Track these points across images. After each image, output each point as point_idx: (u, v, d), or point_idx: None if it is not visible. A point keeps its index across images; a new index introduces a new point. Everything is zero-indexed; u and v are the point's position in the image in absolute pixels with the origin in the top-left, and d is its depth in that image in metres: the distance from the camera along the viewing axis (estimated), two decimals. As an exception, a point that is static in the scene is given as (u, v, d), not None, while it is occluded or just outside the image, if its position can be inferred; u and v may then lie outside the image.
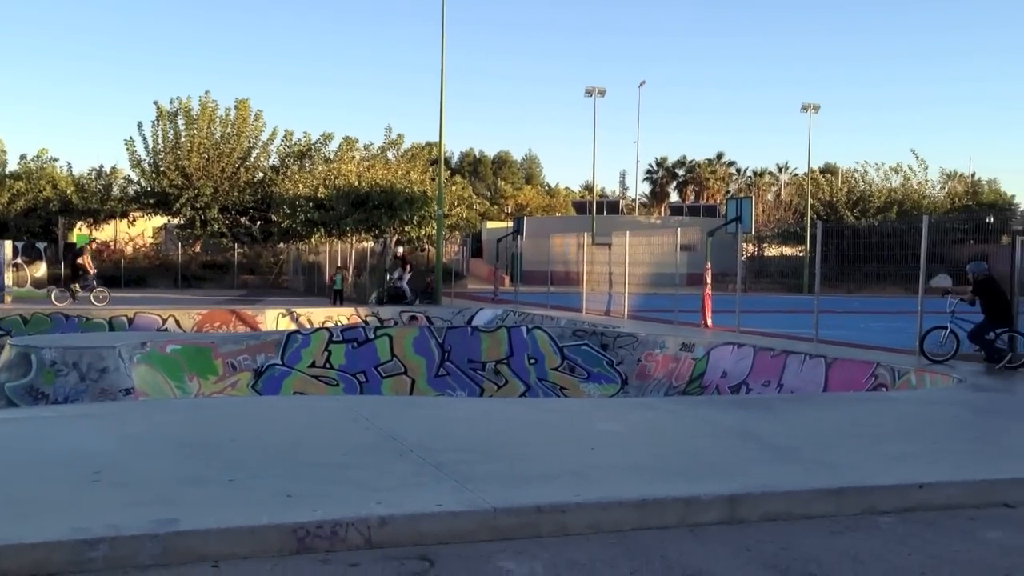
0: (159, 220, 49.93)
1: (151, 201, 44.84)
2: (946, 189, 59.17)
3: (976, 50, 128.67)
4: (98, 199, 46.00)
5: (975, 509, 6.01)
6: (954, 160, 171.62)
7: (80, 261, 28.12)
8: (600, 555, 4.88)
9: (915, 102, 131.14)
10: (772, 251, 61.33)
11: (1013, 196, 64.30)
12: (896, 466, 6.65)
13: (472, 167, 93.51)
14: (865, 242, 24.53)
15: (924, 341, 14.15)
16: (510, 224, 53.68)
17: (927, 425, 8.83)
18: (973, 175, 63.97)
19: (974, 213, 39.91)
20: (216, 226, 44.11)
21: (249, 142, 45.12)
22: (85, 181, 46.62)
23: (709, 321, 21.01)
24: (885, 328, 20.52)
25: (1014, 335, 13.60)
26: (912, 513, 5.86)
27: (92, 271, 27.74)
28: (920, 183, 57.69)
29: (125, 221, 48.45)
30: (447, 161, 55.89)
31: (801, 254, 52.78)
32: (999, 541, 5.35)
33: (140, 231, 50.85)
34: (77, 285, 26.87)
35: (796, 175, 77.68)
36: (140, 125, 44.31)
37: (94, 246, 42.55)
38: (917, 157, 63.73)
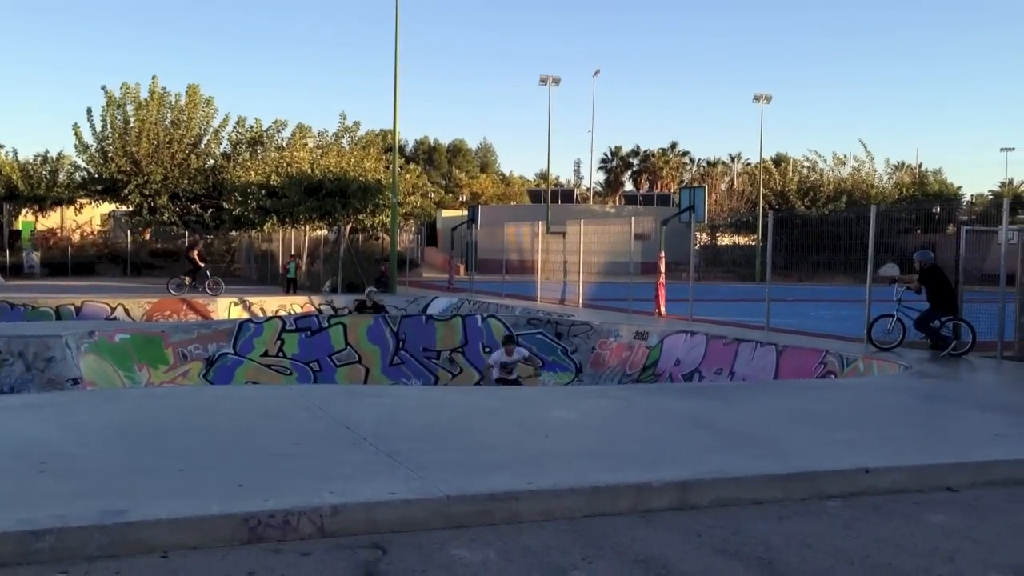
0: (107, 207, 49.04)
1: (99, 188, 43.99)
2: (894, 179, 60.13)
3: (921, 48, 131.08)
4: (44, 186, 45.05)
5: (919, 493, 6.14)
6: (901, 151, 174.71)
7: (192, 255, 29.09)
8: (553, 542, 4.91)
9: (863, 95, 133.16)
10: (725, 240, 61.93)
11: (959, 187, 65.52)
12: (843, 451, 6.77)
13: (427, 155, 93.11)
14: (815, 231, 24.90)
15: (872, 329, 14.41)
16: (465, 213, 53.61)
17: (874, 411, 9.00)
18: (920, 166, 65.19)
19: (921, 203, 40.68)
20: (166, 214, 43.43)
21: (200, 128, 44.41)
22: (31, 167, 45.62)
23: (663, 310, 21.18)
24: (834, 316, 20.86)
25: (958, 323, 13.90)
26: (858, 497, 5.98)
27: (202, 265, 28.52)
28: (869, 173, 58.57)
29: (72, 208, 47.50)
30: (401, 149, 55.59)
31: (754, 243, 53.39)
32: (942, 524, 5.47)
33: (88, 218, 49.88)
34: (187, 278, 27.77)
35: (749, 165, 78.52)
36: (89, 111, 43.40)
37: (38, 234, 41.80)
38: (866, 148, 64.71)
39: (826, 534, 5.20)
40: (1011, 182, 76.39)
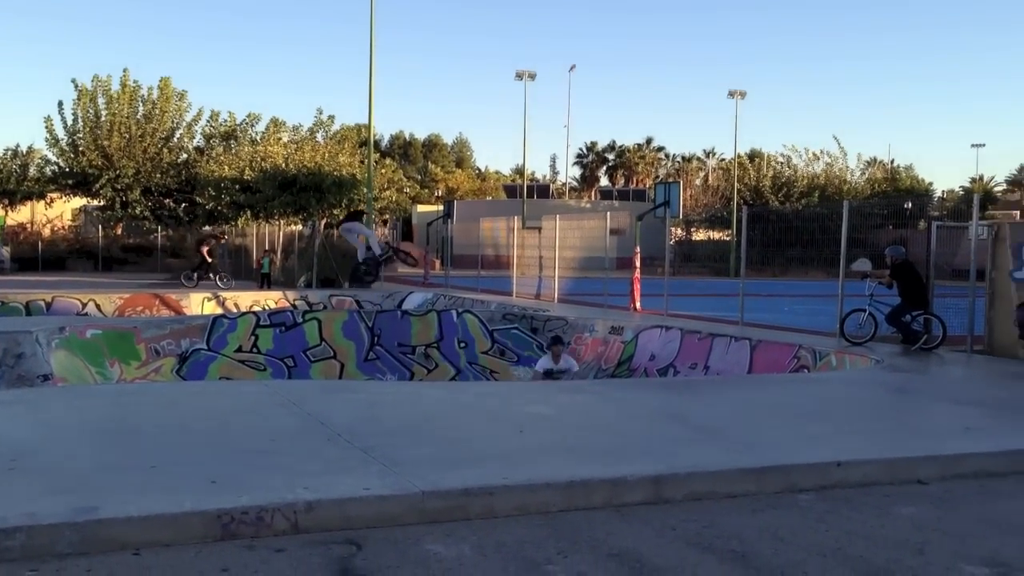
0: (78, 202, 48.50)
1: (70, 182, 43.51)
2: (866, 175, 60.63)
3: (894, 45, 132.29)
4: (14, 180, 44.47)
5: (890, 486, 6.20)
6: (874, 147, 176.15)
7: (202, 251, 30.38)
8: (528, 536, 4.92)
9: (837, 91, 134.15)
10: (700, 235, 62.20)
11: (930, 183, 66.22)
12: (815, 445, 6.83)
13: (402, 150, 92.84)
14: (789, 227, 25.02)
15: (844, 323, 14.53)
16: (441, 208, 53.52)
17: (846, 405, 9.08)
18: (892, 162, 65.77)
19: (893, 199, 40.98)
20: (138, 208, 43.02)
21: (173, 122, 44.03)
22: (0, 161, 45.03)
23: (638, 304, 21.24)
24: (808, 311, 21.00)
25: (929, 317, 14.04)
26: (830, 490, 6.03)
27: (211, 260, 30.06)
28: (842, 169, 59.01)
29: (42, 203, 46.92)
30: (377, 144, 55.40)
31: (728, 238, 53.63)
32: (912, 517, 5.53)
33: (58, 213, 49.29)
34: (196, 274, 29.26)
35: (723, 160, 78.84)
36: (60, 104, 42.91)
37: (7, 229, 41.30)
38: (839, 144, 65.25)
39: (799, 527, 5.24)
40: (981, 178, 77.35)
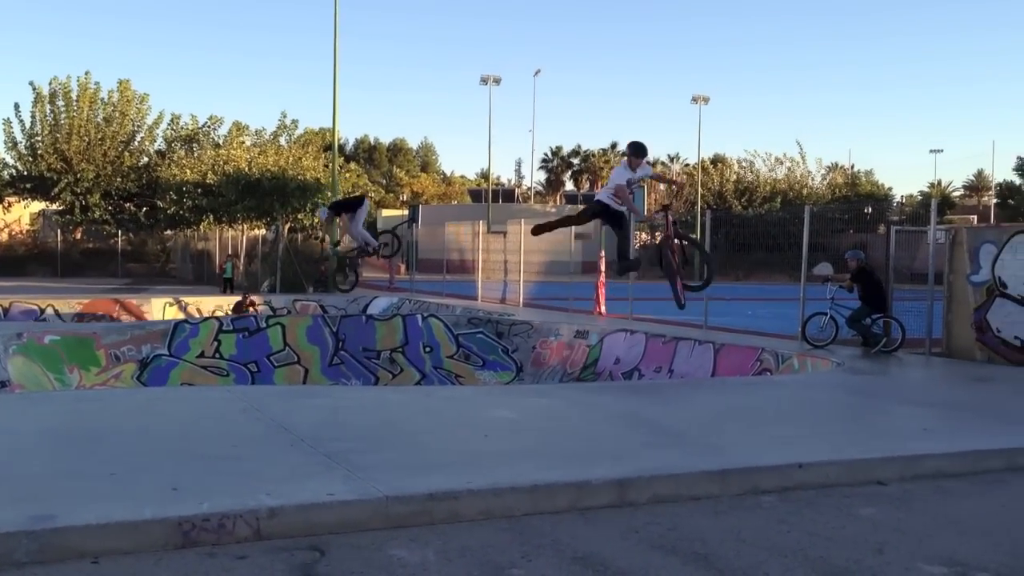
0: (37, 206, 47.72)
1: (28, 186, 42.84)
2: (827, 180, 61.40)
3: (854, 53, 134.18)
4: (-30, 183, 43.73)
5: (850, 487, 6.28)
6: (835, 152, 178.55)
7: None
8: (492, 540, 4.91)
9: (799, 97, 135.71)
10: (664, 240, 62.51)
11: (890, 188, 67.21)
12: (778, 447, 6.90)
13: (367, 154, 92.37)
14: (752, 231, 25.28)
15: (806, 327, 14.69)
16: (406, 212, 53.39)
17: (807, 407, 9.18)
18: (852, 167, 66.69)
19: (853, 204, 41.56)
20: (98, 212, 42.45)
21: (133, 125, 43.50)
22: (-44, 165, 44.24)
23: (603, 309, 21.32)
24: (770, 314, 21.20)
25: (889, 320, 14.24)
26: (792, 492, 6.09)
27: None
28: (803, 175, 59.71)
29: (0, 207, 46.16)
30: (341, 148, 55.12)
31: (692, 243, 53.99)
32: (872, 517, 5.61)
33: (16, 217, 48.50)
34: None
35: (687, 165, 79.37)
36: (17, 107, 42.25)
37: None
38: (801, 149, 66.01)
39: (761, 528, 5.29)
40: (939, 183, 78.66)
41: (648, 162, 11.00)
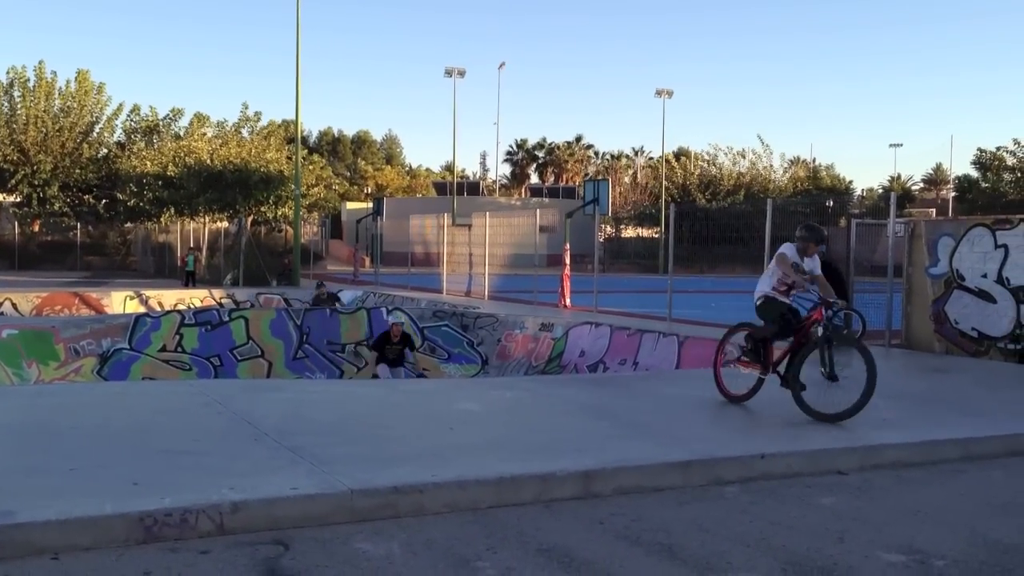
0: (-7, 198, 46.96)
1: (-16, 178, 42.14)
2: (789, 174, 61.99)
3: (815, 46, 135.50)
4: (-77, 174, 42.88)
5: (812, 477, 6.35)
6: (797, 147, 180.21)
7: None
8: (457, 533, 4.92)
9: (761, 91, 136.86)
10: (629, 232, 62.90)
11: (851, 182, 68.02)
12: (740, 438, 6.96)
13: (331, 146, 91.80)
14: (716, 224, 25.47)
15: (769, 319, 14.80)
16: (370, 205, 53.04)
17: (769, 398, 9.25)
18: (814, 161, 67.38)
19: (815, 197, 41.99)
20: (56, 204, 41.83)
21: (92, 116, 42.88)
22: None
23: (568, 301, 21.38)
24: (734, 307, 21.26)
25: (849, 312, 14.40)
26: (754, 482, 6.15)
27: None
28: (766, 168, 60.22)
29: (-45, 199, 45.39)
30: (305, 140, 54.70)
31: (657, 235, 54.35)
32: (833, 506, 5.68)
33: (-28, 209, 47.70)
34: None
35: (651, 159, 79.78)
36: (-28, 97, 41.47)
37: None
38: (763, 142, 66.57)
39: (724, 518, 5.34)
40: (899, 177, 79.66)
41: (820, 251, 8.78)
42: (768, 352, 8.41)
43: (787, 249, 8.43)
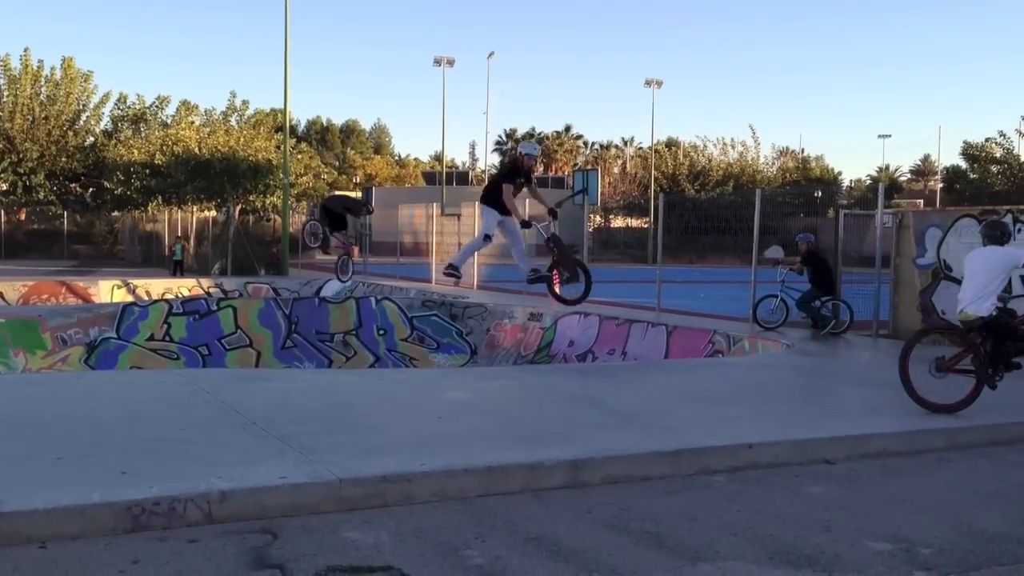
0: (-22, 186, 46.64)
1: (-31, 166, 41.80)
2: (778, 164, 62.03)
3: (804, 36, 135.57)
4: (-92, 162, 42.52)
5: (799, 466, 6.39)
6: (786, 137, 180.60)
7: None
8: (446, 522, 4.92)
9: (751, 82, 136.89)
10: (618, 223, 62.90)
11: (839, 173, 68.19)
12: (728, 428, 6.99)
13: (320, 135, 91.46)
14: (705, 214, 25.50)
15: (757, 309, 14.89)
16: (359, 194, 52.95)
17: (758, 388, 9.30)
18: (803, 151, 67.47)
19: (803, 188, 42.05)
20: (43, 193, 41.53)
21: (78, 104, 42.54)
22: None
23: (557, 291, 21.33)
24: (723, 297, 21.41)
25: (837, 303, 14.47)
26: (742, 472, 6.18)
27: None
28: (755, 158, 60.26)
29: (-60, 187, 45.01)
30: (293, 129, 54.46)
31: (646, 226, 54.37)
32: (820, 496, 5.71)
33: (-43, 198, 47.33)
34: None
35: (641, 148, 79.74)
36: (-43, 85, 41.11)
37: None
38: (754, 133, 66.60)
39: (712, 508, 5.36)
40: (887, 168, 79.97)
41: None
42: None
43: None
